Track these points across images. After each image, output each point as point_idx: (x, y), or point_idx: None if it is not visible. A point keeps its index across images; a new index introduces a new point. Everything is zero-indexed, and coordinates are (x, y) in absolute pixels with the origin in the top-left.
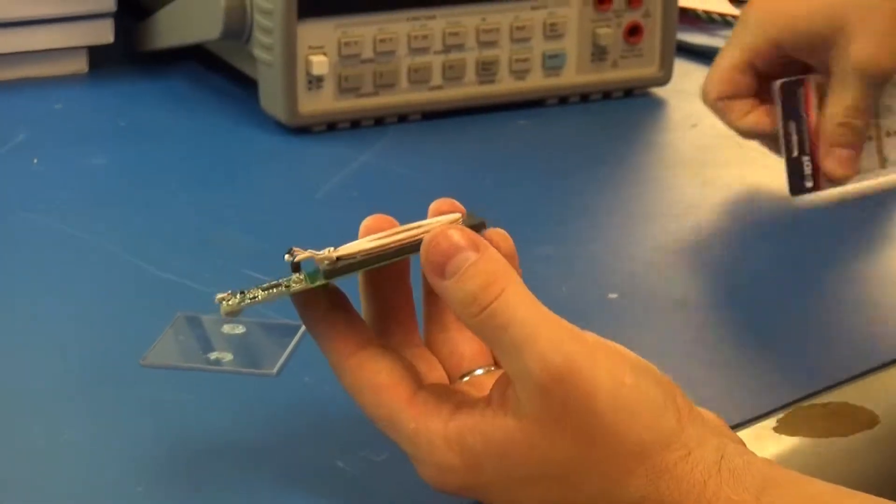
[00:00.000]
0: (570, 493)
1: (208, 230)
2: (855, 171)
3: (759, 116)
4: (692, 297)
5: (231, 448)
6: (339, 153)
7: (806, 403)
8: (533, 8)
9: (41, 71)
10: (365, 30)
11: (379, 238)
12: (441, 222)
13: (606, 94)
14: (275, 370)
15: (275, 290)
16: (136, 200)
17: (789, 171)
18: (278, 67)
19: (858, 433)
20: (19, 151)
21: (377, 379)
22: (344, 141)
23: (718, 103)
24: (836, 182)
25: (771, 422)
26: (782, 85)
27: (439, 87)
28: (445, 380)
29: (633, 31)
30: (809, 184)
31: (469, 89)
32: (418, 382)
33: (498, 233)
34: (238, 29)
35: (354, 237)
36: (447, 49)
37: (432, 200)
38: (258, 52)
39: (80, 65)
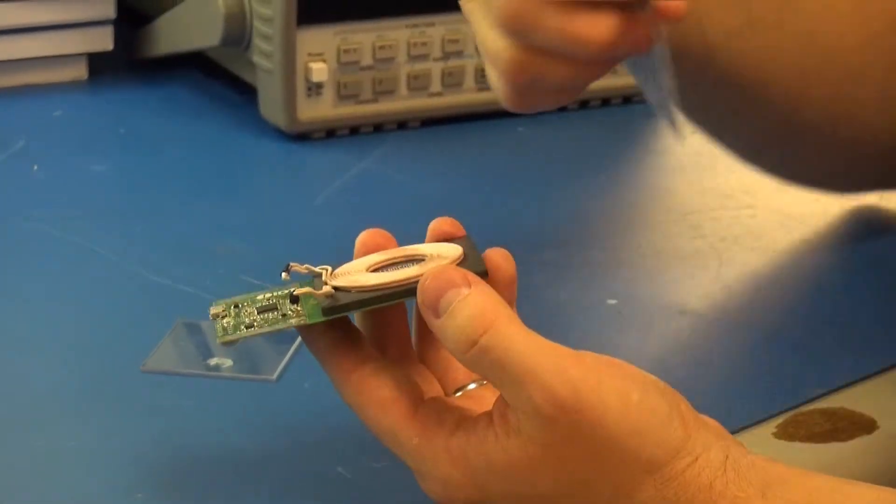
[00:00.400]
0: None
1: (208, 237)
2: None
3: None
4: (691, 302)
5: (231, 454)
6: (338, 160)
7: (805, 409)
8: None
9: (40, 78)
10: (364, 37)
11: (376, 263)
12: (441, 253)
13: (605, 101)
14: (274, 376)
15: (271, 316)
16: (136, 207)
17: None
18: (278, 74)
19: (857, 438)
20: (19, 158)
21: (380, 394)
22: (343, 148)
23: None
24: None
25: (770, 427)
26: None
27: (438, 94)
28: (441, 393)
29: None
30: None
31: (468, 96)
32: (420, 397)
33: (501, 253)
34: (237, 36)
35: (354, 244)
36: (446, 56)
37: (431, 207)
38: (258, 59)
39: (80, 72)
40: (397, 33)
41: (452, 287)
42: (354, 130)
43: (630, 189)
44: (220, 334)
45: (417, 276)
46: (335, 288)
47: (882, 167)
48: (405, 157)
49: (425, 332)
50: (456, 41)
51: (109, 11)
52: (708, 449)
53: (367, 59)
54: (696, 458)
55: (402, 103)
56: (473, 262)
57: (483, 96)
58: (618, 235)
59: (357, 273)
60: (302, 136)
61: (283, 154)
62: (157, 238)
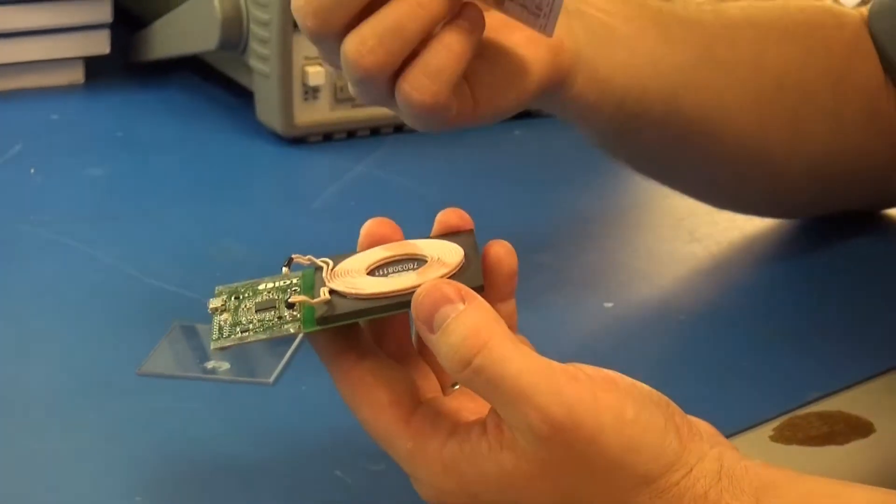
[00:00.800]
0: None
1: (205, 240)
2: None
3: None
4: (687, 305)
5: (228, 457)
6: (335, 163)
7: (802, 412)
8: None
9: (37, 81)
10: None
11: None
12: (441, 257)
13: None
14: (271, 379)
15: (267, 317)
16: (133, 210)
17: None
18: (274, 78)
19: (854, 441)
20: (16, 162)
21: (376, 395)
22: (340, 151)
23: None
24: None
25: (767, 430)
26: None
27: None
28: (439, 389)
29: None
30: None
31: None
32: (417, 399)
33: (503, 246)
34: (234, 40)
35: (352, 247)
36: None
37: (429, 210)
38: (254, 63)
39: (77, 75)
40: None
41: (447, 303)
42: (351, 134)
43: (626, 193)
44: (214, 337)
45: (413, 287)
46: (332, 291)
47: (835, 191)
48: (402, 161)
49: None
50: None
51: (106, 15)
52: (702, 459)
53: None
54: (691, 470)
55: None
56: (471, 275)
57: None
58: (614, 239)
59: (356, 274)
60: (299, 140)
61: (279, 158)
62: (153, 241)
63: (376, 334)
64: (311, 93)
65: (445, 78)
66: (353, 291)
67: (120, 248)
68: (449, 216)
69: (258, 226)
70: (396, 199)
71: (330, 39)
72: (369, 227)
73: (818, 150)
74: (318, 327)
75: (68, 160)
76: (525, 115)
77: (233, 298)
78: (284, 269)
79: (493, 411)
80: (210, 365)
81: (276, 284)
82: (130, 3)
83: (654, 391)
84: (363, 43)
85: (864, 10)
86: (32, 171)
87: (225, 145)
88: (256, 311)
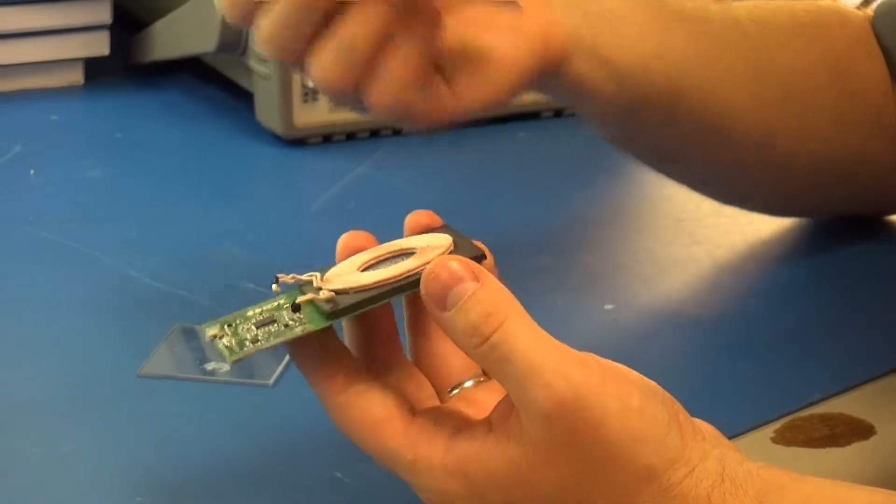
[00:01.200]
0: None
1: (204, 242)
2: None
3: None
4: (687, 308)
5: (228, 459)
6: (334, 165)
7: (803, 414)
8: None
9: (37, 83)
10: None
11: (366, 262)
12: (433, 245)
13: None
14: (271, 381)
15: (273, 329)
16: (132, 212)
17: None
18: (274, 79)
19: (855, 443)
20: (15, 163)
21: (369, 414)
22: (340, 153)
23: None
24: None
25: (768, 432)
26: None
27: None
28: (435, 397)
29: None
30: None
31: None
32: (412, 410)
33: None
34: (234, 41)
35: None
36: None
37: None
38: (254, 65)
39: (76, 77)
40: None
41: (461, 281)
42: (351, 136)
43: (627, 195)
44: (227, 355)
45: (419, 267)
46: (334, 291)
47: (838, 191)
48: (401, 163)
49: (418, 328)
50: None
51: (106, 16)
52: (705, 459)
53: None
54: (693, 469)
55: None
56: (467, 248)
57: None
58: (614, 241)
59: (350, 274)
60: (298, 142)
61: (279, 159)
62: (153, 243)
63: (365, 346)
64: (311, 94)
65: (404, 83)
66: (356, 285)
67: (119, 250)
68: (419, 217)
69: (258, 227)
70: (396, 201)
71: (295, 61)
72: (346, 239)
73: (821, 147)
74: (329, 322)
75: (68, 161)
76: (526, 117)
77: (226, 327)
78: (274, 287)
79: (499, 405)
80: (210, 367)
81: (266, 307)
82: (130, 4)
83: (660, 388)
84: (320, 62)
85: (870, 10)
86: (32, 172)
87: (225, 147)
88: (257, 328)
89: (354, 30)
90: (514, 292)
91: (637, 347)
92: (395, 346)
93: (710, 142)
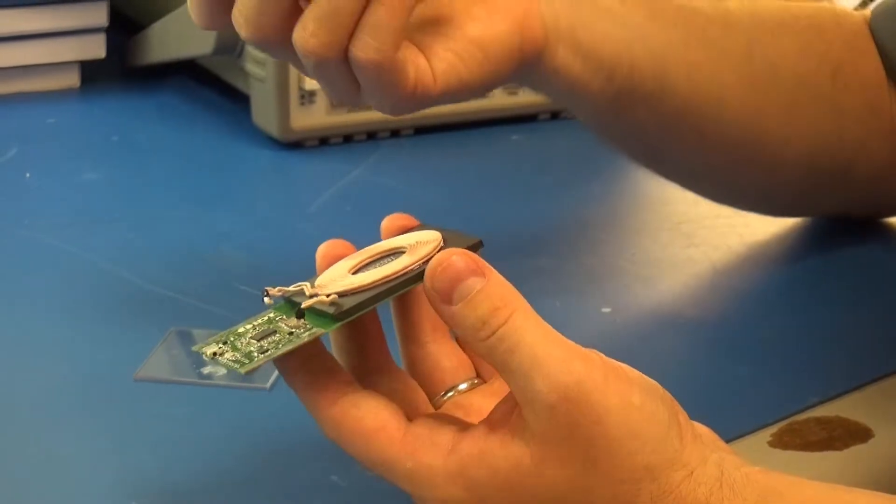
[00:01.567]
0: None
1: (201, 245)
2: None
3: None
4: (685, 311)
5: (224, 463)
6: (331, 168)
7: (800, 417)
8: None
9: (33, 85)
10: None
11: (356, 265)
12: (423, 241)
13: None
14: (268, 385)
15: (276, 338)
16: (129, 215)
17: None
18: (271, 82)
19: (852, 447)
20: (11, 166)
21: (363, 424)
22: (336, 155)
23: None
24: None
25: (765, 435)
26: None
27: None
28: (427, 402)
29: None
30: None
31: (461, 104)
32: (407, 417)
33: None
34: (230, 44)
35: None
36: None
37: (425, 214)
38: (250, 67)
39: (72, 79)
40: None
41: (468, 276)
42: (348, 138)
43: (624, 198)
44: (236, 367)
45: (415, 262)
46: (339, 294)
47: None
48: (398, 165)
49: (409, 330)
50: None
51: (102, 19)
52: (703, 463)
53: None
54: (692, 472)
55: None
56: (460, 239)
57: (476, 104)
58: (612, 244)
59: (344, 278)
60: (295, 144)
61: (276, 162)
62: (149, 246)
63: (355, 354)
64: (308, 97)
65: (386, 32)
66: (356, 285)
67: (116, 253)
68: (396, 220)
69: (255, 230)
70: (393, 204)
71: (271, 43)
72: (325, 249)
73: (814, 140)
74: (338, 323)
75: (64, 164)
76: (523, 119)
77: (221, 344)
78: (267, 300)
79: (500, 404)
80: (206, 370)
81: (257, 322)
82: (126, 7)
83: (661, 388)
84: (305, 29)
85: (867, 11)
86: (28, 175)
87: (221, 150)
88: (257, 341)
89: None
90: None
91: (634, 349)
92: (385, 354)
93: (700, 132)
